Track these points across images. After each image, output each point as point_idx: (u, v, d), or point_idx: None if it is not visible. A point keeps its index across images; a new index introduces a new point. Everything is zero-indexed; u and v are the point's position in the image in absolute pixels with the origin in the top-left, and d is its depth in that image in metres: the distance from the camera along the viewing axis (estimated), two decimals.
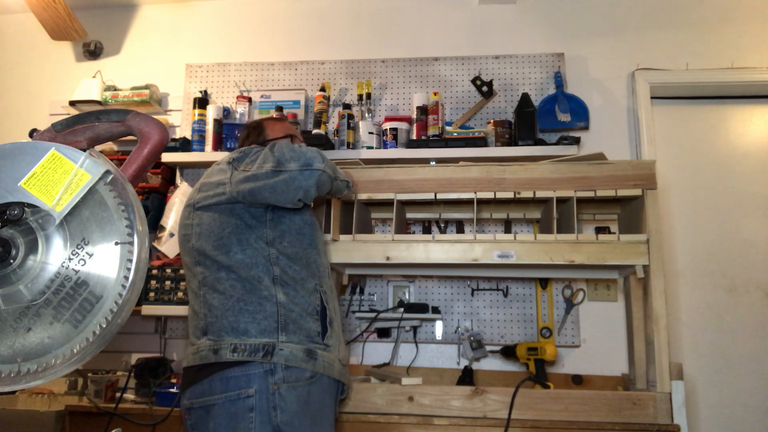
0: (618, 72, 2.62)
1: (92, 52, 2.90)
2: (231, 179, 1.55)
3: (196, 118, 2.59)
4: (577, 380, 2.31)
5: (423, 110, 2.51)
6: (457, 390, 1.84)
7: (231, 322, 1.49)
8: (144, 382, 2.16)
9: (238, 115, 2.61)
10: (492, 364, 2.39)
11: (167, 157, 2.54)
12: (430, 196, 1.99)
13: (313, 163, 1.51)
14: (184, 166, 2.64)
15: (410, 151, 2.43)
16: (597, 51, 2.65)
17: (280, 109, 2.59)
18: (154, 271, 2.42)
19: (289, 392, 1.45)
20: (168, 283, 2.40)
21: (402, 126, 2.52)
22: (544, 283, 2.40)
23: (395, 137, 2.49)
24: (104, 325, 0.82)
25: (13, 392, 2.04)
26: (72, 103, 2.69)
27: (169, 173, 2.66)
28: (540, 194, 1.94)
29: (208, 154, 2.52)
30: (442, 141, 2.44)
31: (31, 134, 1.05)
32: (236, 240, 1.53)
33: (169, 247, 2.48)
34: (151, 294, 2.40)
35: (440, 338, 2.41)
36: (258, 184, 1.51)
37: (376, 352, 2.44)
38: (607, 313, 2.41)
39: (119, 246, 0.84)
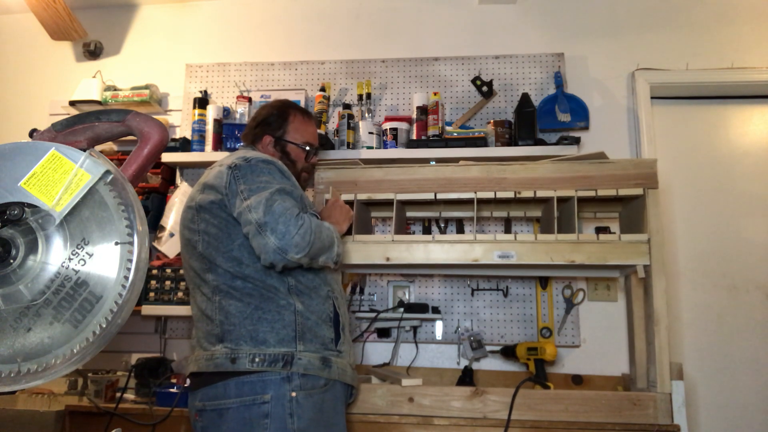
0: (618, 72, 2.62)
1: (92, 52, 2.90)
2: (228, 191, 1.52)
3: (196, 118, 2.58)
4: (577, 380, 2.31)
5: (423, 110, 2.51)
6: (457, 390, 1.84)
7: (249, 331, 1.47)
8: (144, 382, 2.15)
9: (238, 115, 2.61)
10: (492, 364, 2.39)
11: (167, 157, 2.54)
12: (430, 196, 1.99)
13: (288, 251, 1.43)
14: (184, 166, 2.64)
15: (410, 151, 2.43)
16: (597, 51, 2.65)
17: None
18: (154, 271, 2.42)
19: (306, 399, 1.45)
20: (168, 283, 2.40)
21: (402, 126, 2.51)
22: (544, 282, 2.40)
23: (395, 137, 2.49)
24: (104, 325, 0.82)
25: (13, 392, 2.04)
26: (72, 103, 2.68)
27: (169, 173, 2.66)
28: (540, 194, 1.94)
29: (208, 154, 2.52)
30: (442, 141, 2.43)
31: (31, 134, 1.04)
32: (247, 253, 1.51)
33: (169, 247, 2.48)
34: (151, 294, 2.40)
35: (440, 338, 2.41)
36: (249, 224, 1.47)
37: (376, 352, 2.44)
38: (608, 313, 2.41)
39: (119, 246, 0.84)
